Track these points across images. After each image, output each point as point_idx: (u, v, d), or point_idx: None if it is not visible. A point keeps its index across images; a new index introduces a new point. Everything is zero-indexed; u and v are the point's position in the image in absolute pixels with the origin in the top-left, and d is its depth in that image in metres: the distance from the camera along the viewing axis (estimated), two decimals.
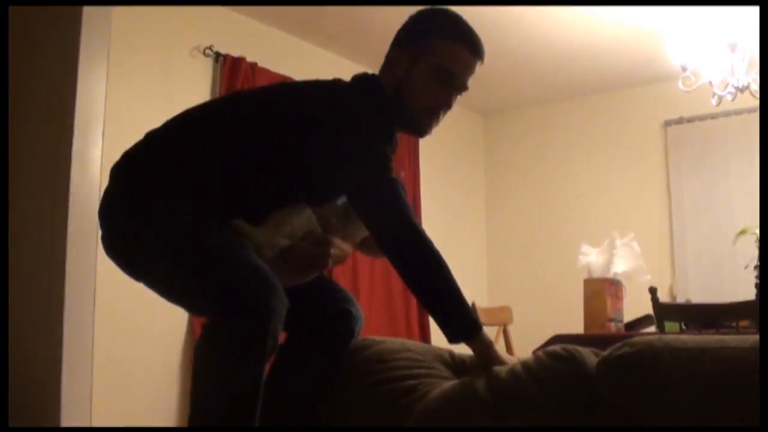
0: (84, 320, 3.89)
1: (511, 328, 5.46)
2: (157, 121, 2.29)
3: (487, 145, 8.13)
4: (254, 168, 2.29)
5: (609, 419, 1.91)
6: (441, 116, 2.45)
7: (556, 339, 3.88)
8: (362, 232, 2.43)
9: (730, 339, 1.86)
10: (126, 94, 4.74)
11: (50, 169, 3.94)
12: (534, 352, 2.25)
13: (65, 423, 3.72)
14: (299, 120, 2.29)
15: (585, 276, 4.56)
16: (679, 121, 7.00)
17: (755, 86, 5.18)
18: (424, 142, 7.08)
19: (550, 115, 7.77)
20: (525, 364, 2.09)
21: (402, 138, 5.16)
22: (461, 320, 2.28)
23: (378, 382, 2.33)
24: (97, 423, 4.01)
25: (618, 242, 4.50)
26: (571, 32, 6.02)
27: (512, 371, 2.08)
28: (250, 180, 2.29)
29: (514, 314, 5.68)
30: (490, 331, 5.19)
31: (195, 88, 5.20)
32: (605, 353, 1.99)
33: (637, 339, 1.97)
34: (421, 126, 2.45)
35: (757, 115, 6.35)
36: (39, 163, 4.03)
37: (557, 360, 2.04)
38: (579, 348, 2.08)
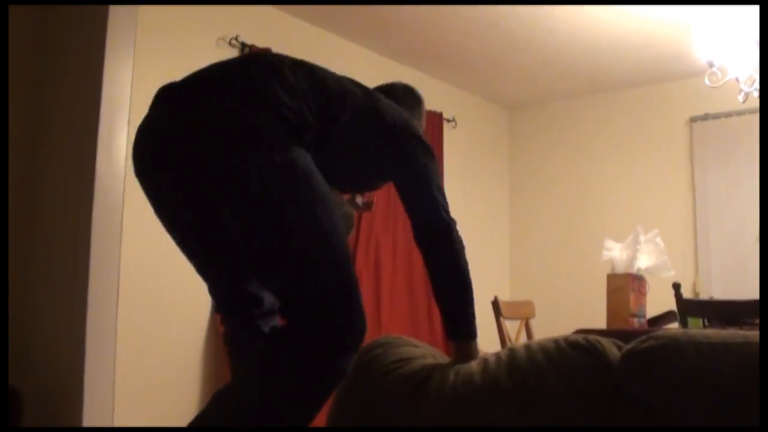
0: (107, 314, 3.91)
1: (533, 323, 5.45)
2: None
3: (512, 139, 8.12)
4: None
5: (631, 413, 1.91)
6: None
7: (579, 333, 3.87)
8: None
9: (755, 335, 1.85)
10: (152, 83, 4.74)
11: (76, 157, 3.97)
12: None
13: (87, 421, 3.75)
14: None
15: (608, 271, 4.56)
16: (705, 117, 6.97)
17: None
18: (448, 135, 7.09)
19: (575, 109, 7.75)
20: (546, 352, 2.08)
21: (428, 130, 5.26)
22: (471, 325, 2.47)
23: (390, 377, 2.35)
24: (119, 422, 4.04)
25: (642, 238, 4.49)
26: (597, 27, 6.00)
27: (533, 360, 2.08)
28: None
29: (536, 308, 5.67)
30: (512, 325, 5.25)
31: None
32: (629, 346, 1.99)
33: (661, 333, 1.96)
34: None
35: None
36: (65, 151, 4.05)
37: (578, 351, 2.03)
38: (600, 339, 2.07)
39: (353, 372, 2.32)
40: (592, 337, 2.08)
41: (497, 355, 2.23)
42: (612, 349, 2.04)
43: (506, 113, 8.12)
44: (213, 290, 2.56)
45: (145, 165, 2.33)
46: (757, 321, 3.94)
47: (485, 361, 2.22)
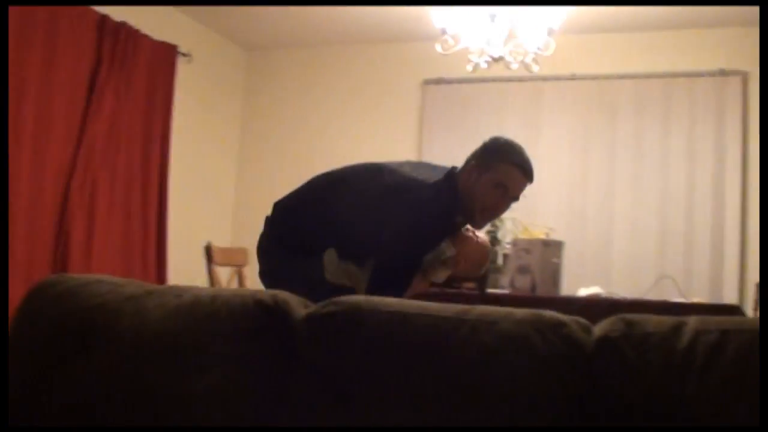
0: None
1: (249, 270, 5.38)
2: None
3: (248, 82, 7.98)
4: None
5: (306, 378, 1.87)
6: (494, 217, 3.47)
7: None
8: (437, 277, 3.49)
9: (434, 306, 1.86)
10: None
11: None
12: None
13: None
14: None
15: None
16: (438, 81, 7.13)
17: (509, 58, 5.32)
18: (182, 70, 6.85)
19: (315, 59, 7.72)
20: (228, 307, 2.00)
21: (158, 62, 5.49)
22: None
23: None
24: None
25: None
26: None
27: (207, 315, 2.00)
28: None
29: (254, 257, 5.59)
30: (224, 272, 5.14)
31: None
32: (311, 309, 1.95)
33: (344, 298, 1.93)
34: (475, 220, 3.37)
35: (509, 85, 6.66)
36: None
37: (262, 310, 1.97)
38: (290, 298, 2.02)
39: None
40: (282, 296, 2.02)
41: (180, 298, 2.12)
42: (300, 310, 1.99)
43: (245, 54, 7.95)
44: None
45: None
46: (458, 285, 4.14)
47: (165, 306, 2.11)
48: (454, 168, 3.39)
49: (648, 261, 6.59)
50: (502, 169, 3.25)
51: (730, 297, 6.39)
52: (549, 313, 1.81)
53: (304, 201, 3.59)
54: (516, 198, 3.30)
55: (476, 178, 3.26)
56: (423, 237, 3.23)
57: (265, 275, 3.56)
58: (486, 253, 3.56)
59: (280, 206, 3.72)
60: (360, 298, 1.93)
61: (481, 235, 3.53)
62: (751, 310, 5.81)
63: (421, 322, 1.81)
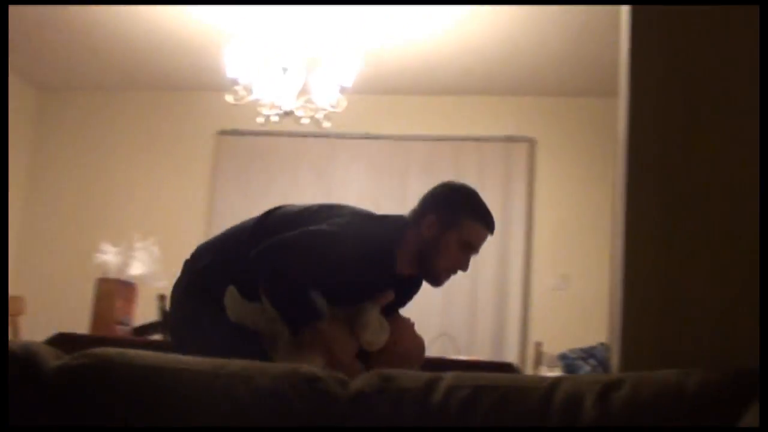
0: None
1: (23, 320, 5.14)
2: None
3: (38, 124, 7.69)
4: None
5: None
6: (454, 273, 3.08)
7: (59, 337, 3.73)
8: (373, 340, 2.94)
9: (191, 360, 1.83)
10: None
11: None
12: None
13: None
14: None
15: (100, 275, 4.45)
16: (233, 132, 7.11)
17: (300, 113, 5.37)
18: None
19: (110, 103, 7.57)
20: None
21: None
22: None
23: None
24: None
25: (137, 244, 4.45)
26: (140, 23, 5.95)
27: None
28: None
29: (32, 306, 5.37)
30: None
31: None
32: (62, 361, 1.88)
33: (98, 351, 1.87)
34: (439, 280, 3.10)
35: (305, 140, 6.73)
36: None
37: (11, 360, 1.88)
38: (40, 349, 1.94)
39: None
40: (33, 347, 1.94)
41: None
42: (51, 361, 1.91)
43: (37, 94, 7.68)
44: None
45: None
46: None
47: None
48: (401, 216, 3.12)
49: (432, 318, 6.72)
50: (468, 227, 3.00)
51: (511, 355, 6.58)
52: (305, 368, 1.82)
53: (231, 232, 3.10)
54: (477, 252, 3.08)
55: (438, 233, 2.98)
56: (338, 251, 2.81)
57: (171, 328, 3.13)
58: (420, 355, 3.14)
59: (202, 246, 3.15)
60: (113, 351, 1.87)
61: (417, 332, 3.18)
62: (531, 368, 6.02)
63: (175, 376, 1.79)
